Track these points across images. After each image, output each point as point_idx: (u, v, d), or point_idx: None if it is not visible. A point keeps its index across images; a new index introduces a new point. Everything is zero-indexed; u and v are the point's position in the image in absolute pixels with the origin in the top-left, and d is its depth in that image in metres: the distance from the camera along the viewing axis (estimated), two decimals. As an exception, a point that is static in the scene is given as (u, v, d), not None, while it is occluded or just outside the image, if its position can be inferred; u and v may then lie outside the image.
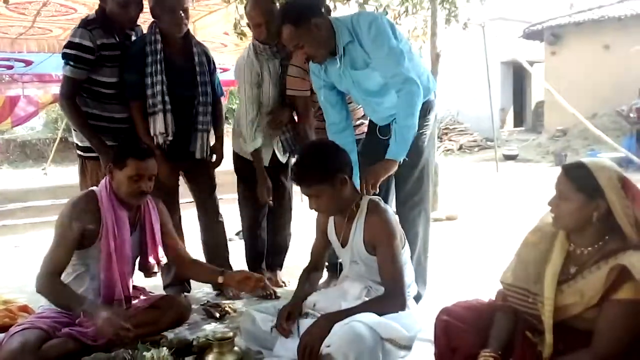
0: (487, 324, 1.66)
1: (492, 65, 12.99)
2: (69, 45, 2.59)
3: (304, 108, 2.94)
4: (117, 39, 2.67)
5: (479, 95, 13.96)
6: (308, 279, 2.23)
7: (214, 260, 3.01)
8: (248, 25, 2.98)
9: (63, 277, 2.13)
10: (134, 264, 2.36)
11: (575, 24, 13.45)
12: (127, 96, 2.73)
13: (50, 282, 2.07)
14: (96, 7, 2.72)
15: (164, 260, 2.41)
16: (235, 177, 3.22)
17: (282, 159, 3.11)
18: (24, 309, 2.68)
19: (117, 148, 2.31)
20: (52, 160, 13.62)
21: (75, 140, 2.78)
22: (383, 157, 2.43)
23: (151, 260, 2.35)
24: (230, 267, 3.05)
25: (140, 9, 2.68)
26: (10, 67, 8.38)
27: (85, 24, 2.62)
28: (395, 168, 2.33)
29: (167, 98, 2.71)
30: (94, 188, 2.24)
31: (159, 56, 2.70)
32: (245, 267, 3.13)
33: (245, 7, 2.96)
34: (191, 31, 6.70)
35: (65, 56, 2.59)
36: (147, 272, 2.40)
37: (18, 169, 15.78)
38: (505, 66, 16.34)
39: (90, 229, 2.13)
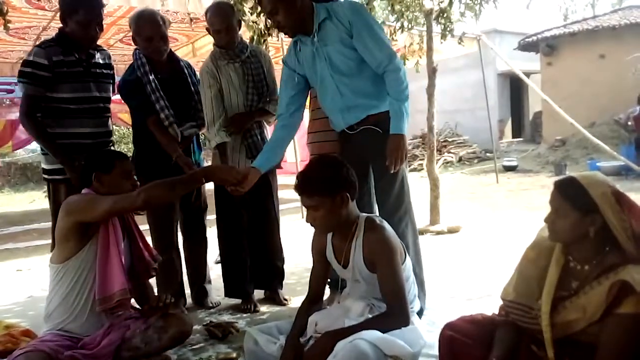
0: (492, 338, 1.65)
1: (489, 77, 13.09)
2: (24, 63, 2.66)
3: None
4: (77, 56, 2.72)
5: (477, 107, 14.05)
6: (307, 313, 2.12)
7: (195, 280, 3.28)
8: (208, 30, 3.07)
9: (66, 285, 2.13)
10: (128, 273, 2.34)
11: (570, 34, 13.58)
12: (142, 117, 2.94)
13: (148, 188, 2.09)
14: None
15: (159, 258, 2.47)
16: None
17: (247, 164, 3.06)
18: (27, 333, 2.67)
19: (99, 157, 2.32)
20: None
21: (42, 164, 2.85)
22: (359, 154, 2.55)
23: (148, 259, 2.39)
24: (205, 292, 3.27)
25: (100, 29, 2.75)
26: (11, 91, 8.46)
27: (41, 43, 2.70)
28: (406, 141, 2.46)
29: (171, 111, 2.91)
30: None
31: (150, 76, 2.90)
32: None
33: (206, 14, 3.05)
34: (190, 51, 6.82)
35: (20, 74, 2.66)
36: (144, 275, 2.41)
37: (19, 192, 15.76)
38: (502, 78, 16.44)
39: (88, 225, 2.14)
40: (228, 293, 3.21)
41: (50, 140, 2.68)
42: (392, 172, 2.47)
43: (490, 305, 2.02)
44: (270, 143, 2.66)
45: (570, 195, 1.54)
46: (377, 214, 2.63)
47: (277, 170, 3.25)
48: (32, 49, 2.66)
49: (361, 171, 2.58)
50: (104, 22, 2.84)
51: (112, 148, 2.93)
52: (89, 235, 2.15)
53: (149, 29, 2.86)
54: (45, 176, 2.82)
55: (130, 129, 3.24)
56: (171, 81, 3.00)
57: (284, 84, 2.67)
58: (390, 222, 2.44)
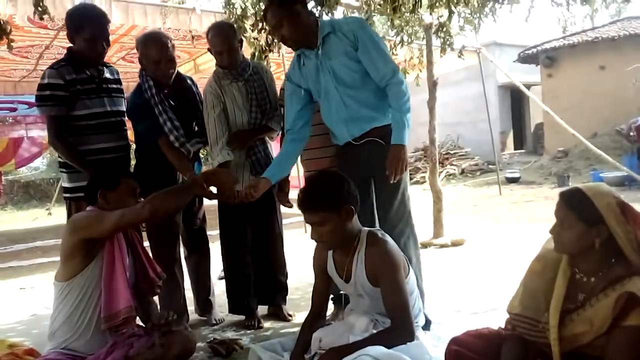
0: (498, 353, 1.64)
1: (490, 89, 13.13)
2: (40, 87, 2.67)
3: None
4: (89, 73, 2.75)
5: (478, 119, 14.07)
6: (311, 329, 2.11)
7: (200, 292, 3.26)
8: (209, 50, 3.07)
9: (71, 303, 2.13)
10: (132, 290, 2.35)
11: (569, 46, 13.63)
12: (153, 139, 2.89)
13: (152, 199, 2.10)
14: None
15: (163, 275, 2.47)
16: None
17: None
18: (30, 352, 2.64)
19: (104, 174, 2.35)
20: (57, 200, 13.67)
21: (62, 182, 2.86)
22: (361, 167, 2.56)
23: (153, 277, 2.39)
24: (211, 304, 3.27)
25: (107, 44, 2.78)
26: (14, 110, 8.52)
27: (52, 65, 2.72)
28: (407, 152, 2.49)
29: (181, 131, 2.89)
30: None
31: (157, 98, 2.88)
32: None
33: (207, 34, 3.03)
34: (192, 68, 6.87)
35: (40, 99, 2.67)
36: (148, 292, 2.41)
37: (22, 210, 15.78)
38: (503, 90, 16.49)
39: (94, 241, 2.15)
40: (232, 309, 3.19)
41: (81, 158, 2.70)
42: (392, 183, 2.48)
43: (496, 319, 2.00)
44: (280, 156, 2.69)
45: (575, 206, 1.54)
46: (378, 226, 2.62)
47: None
48: (45, 72, 2.68)
49: (363, 184, 2.59)
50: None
51: (131, 161, 2.99)
52: (94, 253, 2.15)
53: (156, 52, 2.85)
54: (67, 195, 2.83)
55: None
56: (178, 101, 3.01)
57: (289, 99, 2.70)
58: (392, 234, 2.44)
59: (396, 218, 2.59)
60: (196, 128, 3.11)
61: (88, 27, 2.66)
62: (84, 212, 2.25)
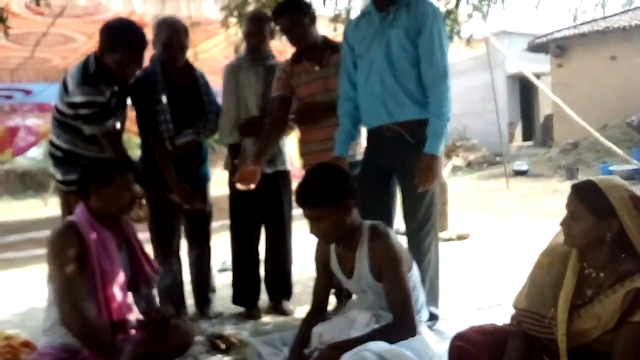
0: (502, 349, 1.63)
1: (498, 79, 13.02)
2: (84, 105, 2.57)
3: (276, 107, 2.94)
4: (117, 89, 2.71)
5: (486, 110, 13.98)
6: (311, 324, 2.09)
7: (198, 288, 3.23)
8: (243, 34, 3.18)
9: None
10: (128, 285, 2.33)
11: (580, 35, 13.49)
12: (150, 127, 2.91)
13: (81, 321, 2.02)
14: (95, 36, 2.73)
15: (159, 269, 2.46)
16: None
17: (266, 169, 3.04)
18: (26, 344, 2.64)
19: (97, 168, 2.28)
20: (53, 190, 13.67)
21: (56, 176, 2.80)
22: (385, 161, 2.52)
23: (148, 271, 2.36)
24: (210, 298, 3.24)
25: (138, 67, 2.73)
26: (10, 97, 8.49)
27: (90, 81, 2.59)
28: (440, 163, 2.43)
29: (171, 126, 2.90)
30: (70, 218, 2.22)
31: (159, 85, 2.91)
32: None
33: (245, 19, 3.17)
34: (192, 56, 6.82)
35: (88, 118, 2.60)
36: (144, 286, 2.39)
37: (18, 200, 15.75)
38: (511, 80, 16.38)
39: (78, 256, 2.10)
40: (235, 300, 3.21)
41: (133, 165, 2.72)
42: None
43: (501, 314, 1.96)
44: (345, 129, 2.64)
45: (587, 199, 1.53)
46: (393, 223, 2.63)
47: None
48: (79, 89, 2.56)
49: (383, 177, 2.60)
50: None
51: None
52: (81, 265, 2.10)
53: (168, 35, 2.88)
54: (62, 187, 2.81)
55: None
56: (184, 89, 3.01)
57: (344, 64, 2.65)
58: (418, 235, 2.51)
59: (423, 219, 2.56)
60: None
61: (120, 51, 2.55)
62: (53, 245, 2.16)
